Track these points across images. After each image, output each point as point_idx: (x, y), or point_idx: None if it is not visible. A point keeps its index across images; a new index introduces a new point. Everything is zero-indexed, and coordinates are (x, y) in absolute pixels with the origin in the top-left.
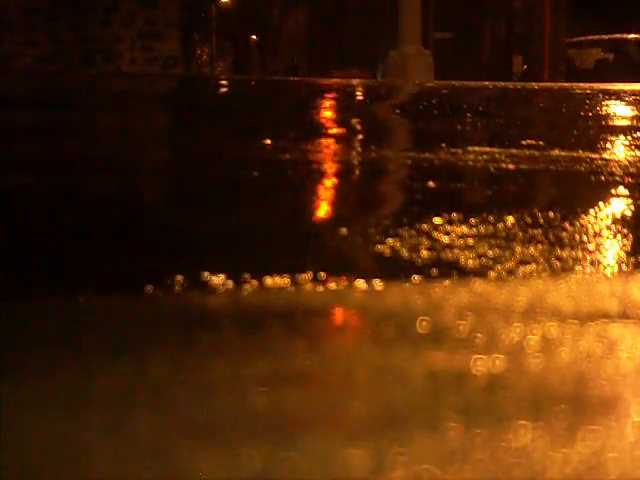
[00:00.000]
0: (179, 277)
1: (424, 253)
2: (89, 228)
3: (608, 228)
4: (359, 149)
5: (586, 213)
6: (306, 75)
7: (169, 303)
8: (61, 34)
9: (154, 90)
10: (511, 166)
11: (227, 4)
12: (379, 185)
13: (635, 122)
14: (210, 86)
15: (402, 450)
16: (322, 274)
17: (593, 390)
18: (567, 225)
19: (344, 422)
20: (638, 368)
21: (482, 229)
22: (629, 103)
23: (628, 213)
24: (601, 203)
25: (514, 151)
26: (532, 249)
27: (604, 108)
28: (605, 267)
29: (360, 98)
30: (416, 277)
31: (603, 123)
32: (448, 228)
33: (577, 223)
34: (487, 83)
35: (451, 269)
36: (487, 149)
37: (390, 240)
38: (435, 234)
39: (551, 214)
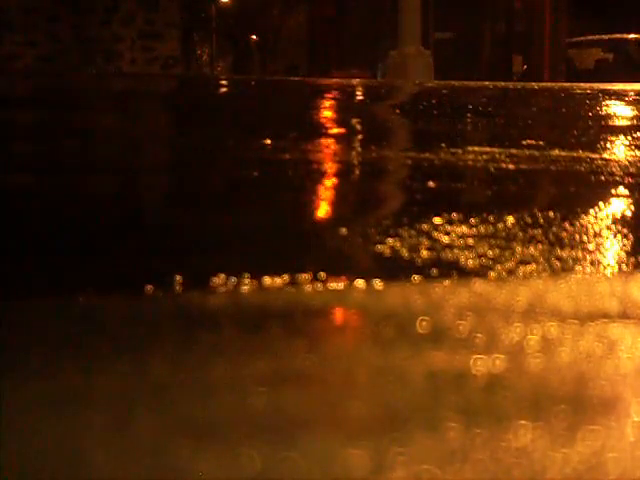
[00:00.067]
0: (179, 277)
1: (424, 253)
2: (89, 228)
3: (608, 228)
4: (359, 149)
5: (586, 213)
6: (306, 75)
7: (169, 303)
8: (61, 34)
9: (154, 90)
10: (511, 166)
11: (227, 4)
12: (379, 185)
13: (635, 122)
14: (210, 86)
15: (402, 450)
16: (322, 274)
17: (593, 390)
18: (567, 225)
19: (344, 422)
20: (638, 368)
21: (482, 229)
22: (629, 103)
23: (628, 213)
24: (601, 203)
25: (514, 151)
26: (532, 249)
27: (604, 108)
28: (605, 267)
29: (360, 98)
30: (416, 277)
31: (603, 123)
32: (448, 228)
33: (577, 223)
34: (487, 83)
35: (451, 269)
36: (487, 149)
37: (390, 240)
38: (435, 234)
39: (551, 214)
